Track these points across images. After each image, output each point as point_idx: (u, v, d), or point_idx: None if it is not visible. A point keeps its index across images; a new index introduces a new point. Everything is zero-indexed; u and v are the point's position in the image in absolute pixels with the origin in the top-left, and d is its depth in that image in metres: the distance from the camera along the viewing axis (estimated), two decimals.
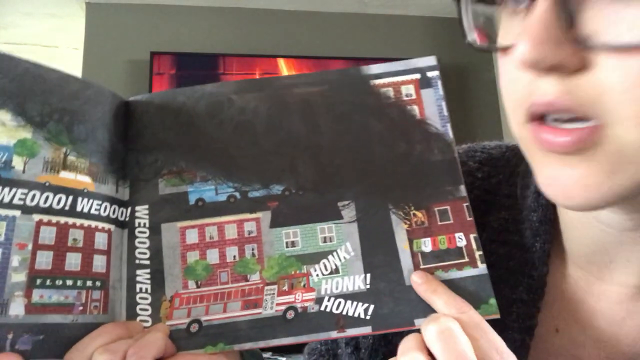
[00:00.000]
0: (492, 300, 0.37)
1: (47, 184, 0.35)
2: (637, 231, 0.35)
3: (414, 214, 0.39)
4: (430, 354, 0.32)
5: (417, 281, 0.37)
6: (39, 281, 0.33)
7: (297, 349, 0.49)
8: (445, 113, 0.42)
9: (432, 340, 0.32)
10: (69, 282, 0.34)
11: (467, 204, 0.39)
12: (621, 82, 0.26)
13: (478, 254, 0.38)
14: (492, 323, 0.38)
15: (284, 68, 2.39)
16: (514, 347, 0.37)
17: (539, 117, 0.30)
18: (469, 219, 0.39)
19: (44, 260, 0.34)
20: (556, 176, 0.30)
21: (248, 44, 2.43)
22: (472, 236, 0.39)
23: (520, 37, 0.27)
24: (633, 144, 0.26)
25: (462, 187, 0.40)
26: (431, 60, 0.43)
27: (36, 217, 0.34)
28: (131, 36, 2.36)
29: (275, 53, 2.41)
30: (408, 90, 0.42)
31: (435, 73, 0.43)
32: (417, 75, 0.43)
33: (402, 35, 2.59)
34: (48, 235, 0.34)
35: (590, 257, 0.39)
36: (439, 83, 0.43)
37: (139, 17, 2.39)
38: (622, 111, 0.26)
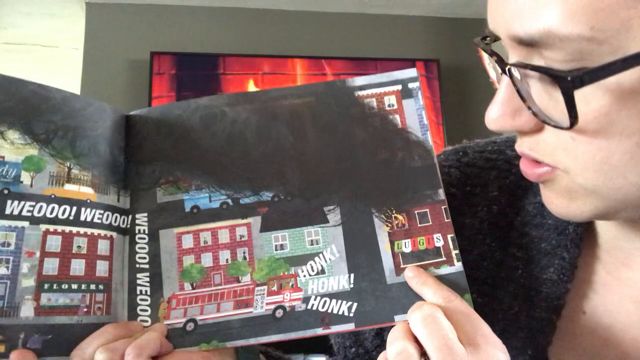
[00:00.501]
0: (467, 296, 0.40)
1: (52, 196, 0.38)
2: None
3: (395, 217, 0.42)
4: (417, 340, 0.35)
5: (410, 275, 0.40)
6: (46, 286, 0.37)
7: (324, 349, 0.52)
8: (425, 122, 0.44)
9: (416, 327, 0.35)
10: (74, 286, 0.38)
11: (445, 206, 0.42)
12: (562, 144, 0.31)
13: (454, 252, 0.41)
14: (522, 299, 0.42)
15: (284, 68, 2.39)
16: (541, 326, 0.41)
17: None
18: (446, 220, 0.42)
19: (51, 266, 0.37)
20: (543, 195, 0.37)
21: (248, 44, 2.43)
22: (449, 236, 0.42)
23: (489, 108, 0.33)
24: (582, 186, 0.32)
25: (441, 191, 0.43)
26: (412, 72, 0.46)
27: (43, 227, 0.37)
28: (131, 36, 2.37)
29: (275, 53, 2.41)
30: (390, 100, 0.45)
31: (416, 84, 0.45)
32: (399, 87, 0.45)
33: (402, 35, 2.59)
34: (54, 243, 0.38)
35: (617, 243, 0.41)
36: (419, 94, 0.45)
37: (139, 17, 2.39)
38: (570, 165, 0.32)
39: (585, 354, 0.40)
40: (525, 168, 0.35)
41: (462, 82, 2.50)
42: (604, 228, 0.42)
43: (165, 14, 2.42)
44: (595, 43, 0.27)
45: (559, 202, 0.35)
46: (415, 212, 0.42)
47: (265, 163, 0.43)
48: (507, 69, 0.31)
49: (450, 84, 2.48)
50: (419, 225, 0.42)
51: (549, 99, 0.31)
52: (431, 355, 0.34)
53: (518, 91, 0.32)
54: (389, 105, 0.45)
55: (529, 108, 0.31)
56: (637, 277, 0.40)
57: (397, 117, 0.45)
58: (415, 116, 0.45)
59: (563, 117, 0.29)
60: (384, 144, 0.44)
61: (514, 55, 0.32)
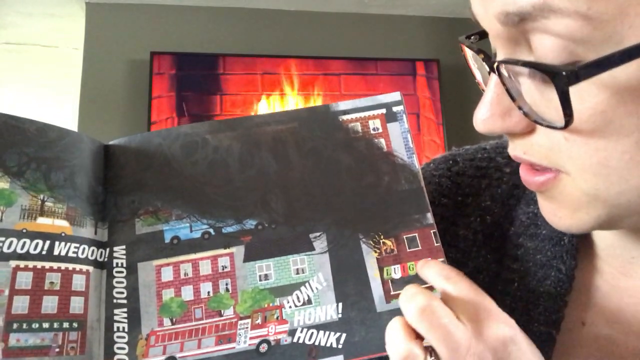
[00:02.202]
0: None
1: (24, 231, 0.37)
2: None
3: (384, 243, 0.41)
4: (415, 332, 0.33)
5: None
6: (15, 325, 0.35)
7: None
8: (411, 145, 0.44)
9: (415, 321, 0.33)
10: (45, 325, 0.36)
11: (434, 230, 0.41)
12: (556, 145, 0.30)
13: None
14: (519, 313, 0.40)
15: (284, 68, 2.39)
16: (540, 340, 0.39)
17: None
18: (436, 244, 0.41)
19: (20, 304, 0.35)
20: (541, 204, 0.35)
21: (248, 44, 2.43)
22: (440, 261, 0.40)
23: (477, 109, 0.31)
24: (585, 191, 0.30)
25: (429, 215, 0.42)
26: (396, 96, 0.45)
27: (13, 263, 0.36)
28: (131, 36, 2.37)
29: (275, 53, 2.41)
30: (375, 124, 0.44)
31: (400, 107, 0.45)
32: (383, 110, 0.45)
33: (402, 35, 2.59)
34: (25, 280, 0.36)
35: (613, 252, 0.40)
36: (404, 117, 0.45)
37: (139, 17, 2.39)
38: (569, 166, 0.30)
39: None
40: (526, 176, 0.33)
41: (462, 82, 2.50)
42: (600, 237, 0.41)
43: (165, 14, 2.41)
44: (591, 26, 0.25)
45: (562, 214, 0.33)
46: (404, 236, 0.41)
47: (249, 191, 0.42)
48: (495, 66, 0.30)
49: (450, 84, 2.48)
50: (408, 250, 0.41)
51: (540, 98, 0.29)
52: (435, 346, 0.32)
53: (507, 90, 0.30)
54: (373, 129, 0.44)
55: (520, 108, 0.30)
56: (636, 286, 0.39)
57: (383, 140, 0.44)
58: (401, 139, 0.44)
59: (556, 117, 0.28)
60: (370, 169, 0.43)
61: (501, 52, 0.31)
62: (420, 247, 0.41)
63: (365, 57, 2.47)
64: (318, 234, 0.41)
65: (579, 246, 0.41)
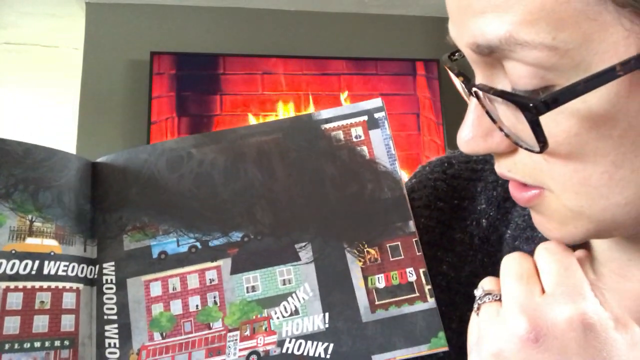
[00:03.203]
0: (441, 334, 0.39)
1: (13, 252, 0.37)
2: None
3: (368, 252, 0.41)
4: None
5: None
6: (7, 346, 0.35)
7: None
8: (393, 152, 0.44)
9: (501, 270, 0.33)
10: (37, 344, 0.36)
11: (416, 239, 0.42)
12: (538, 164, 0.30)
13: (427, 288, 0.41)
14: None
15: (284, 68, 2.39)
16: None
17: None
18: (418, 253, 0.41)
19: (12, 325, 0.35)
20: (533, 216, 0.35)
21: (248, 44, 2.43)
22: (421, 271, 0.41)
23: (460, 130, 0.32)
24: (569, 208, 0.31)
25: (411, 223, 0.42)
26: (377, 102, 0.45)
27: (3, 284, 0.36)
28: (131, 36, 2.37)
29: (275, 53, 2.41)
30: (357, 132, 0.45)
31: (382, 114, 0.45)
32: (365, 117, 0.45)
33: (402, 35, 2.59)
34: (15, 300, 0.36)
35: (611, 255, 0.40)
36: (386, 123, 0.45)
37: (139, 17, 2.39)
38: (551, 184, 0.30)
39: None
40: (514, 192, 0.34)
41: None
42: (596, 241, 0.41)
43: (165, 14, 2.41)
44: (557, 55, 0.26)
45: (552, 227, 0.33)
46: (387, 245, 0.42)
47: (234, 203, 0.42)
48: (473, 91, 0.30)
49: (450, 84, 2.47)
50: (391, 259, 0.41)
51: (516, 122, 0.29)
52: (503, 300, 0.32)
53: (487, 112, 0.30)
54: (356, 137, 0.44)
55: (501, 129, 0.30)
56: (634, 288, 0.39)
57: (365, 148, 0.44)
58: (383, 146, 0.44)
59: (533, 141, 0.28)
60: (353, 177, 0.43)
61: (479, 75, 0.31)
62: (403, 256, 0.41)
63: (365, 57, 2.47)
64: (303, 244, 0.42)
65: (575, 249, 0.41)
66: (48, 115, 3.64)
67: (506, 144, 0.31)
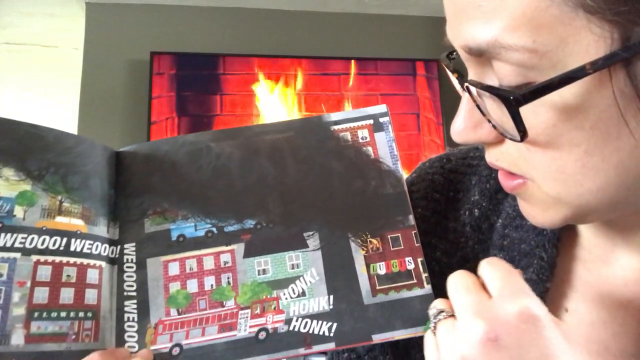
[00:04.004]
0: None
1: (44, 229, 0.40)
2: (629, 225, 0.39)
3: (370, 241, 0.45)
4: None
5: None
6: (36, 314, 0.38)
7: None
8: (396, 152, 0.48)
9: (448, 286, 0.37)
10: (63, 314, 0.39)
11: (415, 231, 0.45)
12: (521, 154, 0.33)
13: (424, 275, 0.44)
14: None
15: (284, 68, 2.39)
16: None
17: None
18: (416, 245, 0.45)
19: (41, 295, 0.39)
20: (519, 203, 0.38)
21: (248, 44, 2.43)
22: (419, 260, 0.44)
23: (453, 122, 0.35)
24: (549, 195, 0.34)
25: (411, 217, 0.46)
26: (382, 108, 0.50)
27: (34, 257, 0.39)
28: (131, 36, 2.37)
29: (275, 53, 2.41)
30: (363, 133, 0.49)
31: (386, 119, 0.49)
32: (371, 121, 0.49)
33: (402, 35, 2.59)
34: (44, 273, 0.39)
35: (595, 241, 0.43)
36: (390, 127, 0.49)
37: (139, 17, 2.39)
38: (532, 173, 0.34)
39: None
40: (502, 180, 0.37)
41: None
42: (582, 227, 0.44)
43: (165, 14, 2.42)
44: (537, 56, 0.29)
45: (535, 213, 0.37)
46: (389, 236, 0.45)
47: (248, 194, 0.46)
48: (465, 86, 0.33)
49: (450, 84, 2.47)
50: (392, 249, 0.45)
51: (502, 114, 0.32)
52: (455, 309, 0.35)
53: (477, 106, 0.33)
54: (362, 138, 0.48)
55: (489, 121, 0.33)
56: (617, 274, 0.41)
57: (370, 148, 0.48)
58: (387, 147, 0.48)
59: (515, 131, 0.31)
60: (359, 174, 0.47)
61: (471, 72, 0.34)
62: (402, 247, 0.45)
63: (365, 57, 2.47)
64: (311, 232, 0.45)
65: (562, 236, 0.44)
66: (48, 115, 3.64)
67: (494, 135, 0.34)
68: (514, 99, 0.29)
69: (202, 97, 2.31)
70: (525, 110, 0.30)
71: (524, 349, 0.32)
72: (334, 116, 0.49)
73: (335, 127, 0.49)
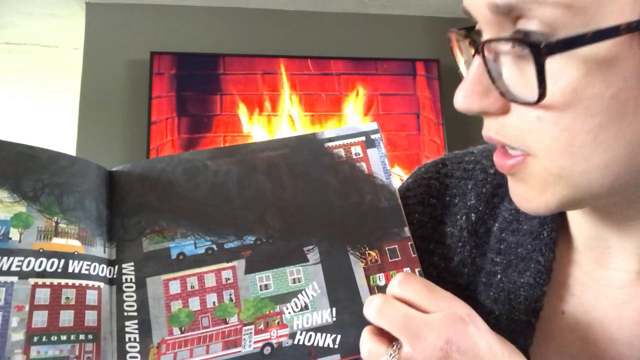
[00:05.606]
0: None
1: (40, 251, 0.39)
2: (624, 222, 0.39)
3: (369, 254, 0.46)
4: (383, 332, 0.38)
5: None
6: (35, 338, 0.37)
7: None
8: (388, 168, 0.49)
9: (376, 320, 0.38)
10: (63, 337, 0.38)
11: (411, 242, 0.46)
12: (527, 125, 0.32)
13: None
14: (502, 303, 0.44)
15: (284, 68, 2.39)
16: (521, 328, 0.42)
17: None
18: (413, 255, 0.46)
19: (40, 319, 0.38)
20: (512, 188, 0.38)
21: (248, 44, 2.43)
22: (417, 270, 0.45)
23: (458, 87, 0.34)
24: (550, 171, 0.33)
25: (406, 229, 0.47)
26: (373, 125, 0.51)
27: (32, 281, 0.38)
28: (131, 36, 2.37)
29: (275, 53, 2.41)
30: (356, 150, 0.50)
31: (377, 135, 0.50)
32: (363, 138, 0.50)
33: (402, 35, 2.59)
34: (43, 296, 0.38)
35: (590, 244, 0.43)
36: (381, 143, 0.50)
37: (139, 17, 2.39)
38: (537, 147, 0.33)
39: (565, 352, 0.42)
40: (499, 160, 0.36)
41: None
42: (577, 231, 0.44)
43: (165, 14, 2.42)
44: (570, 13, 0.28)
45: (529, 195, 0.36)
46: (386, 248, 0.46)
47: (247, 210, 0.46)
48: (480, 46, 0.33)
49: (450, 84, 2.48)
50: (390, 260, 0.46)
51: (519, 76, 0.32)
52: (399, 337, 0.36)
53: (488, 71, 0.32)
54: (355, 154, 0.49)
55: (497, 88, 0.32)
56: (612, 276, 0.42)
57: (364, 164, 0.49)
58: (379, 163, 0.49)
59: (531, 93, 0.30)
60: (354, 189, 0.48)
61: (488, 35, 0.33)
62: (400, 258, 0.46)
63: (365, 57, 2.47)
64: (311, 247, 0.45)
65: (558, 240, 0.44)
66: (48, 115, 3.64)
67: (500, 104, 0.33)
68: (546, 45, 0.28)
69: (202, 97, 2.31)
70: (550, 65, 0.29)
71: (475, 351, 0.35)
72: (327, 133, 0.50)
73: (329, 144, 0.49)
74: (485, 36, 0.33)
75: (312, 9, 2.53)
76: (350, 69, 2.45)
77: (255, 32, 2.47)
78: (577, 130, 0.30)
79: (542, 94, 0.30)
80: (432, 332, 0.35)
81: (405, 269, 0.45)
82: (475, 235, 0.48)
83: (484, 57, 0.33)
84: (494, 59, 0.33)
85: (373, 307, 0.39)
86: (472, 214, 0.49)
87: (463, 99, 0.34)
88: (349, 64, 2.45)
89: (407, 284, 0.39)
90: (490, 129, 0.35)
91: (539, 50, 0.29)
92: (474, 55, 0.34)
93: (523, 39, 0.30)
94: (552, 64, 0.29)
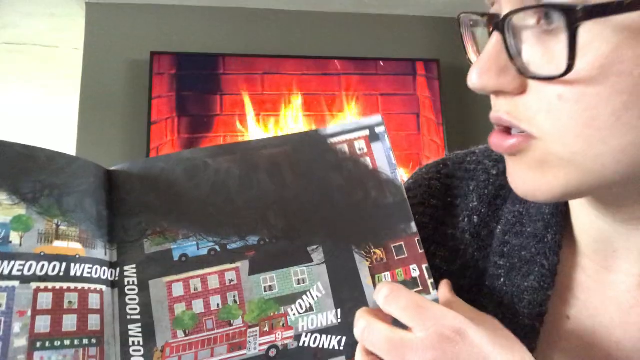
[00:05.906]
0: None
1: (42, 254, 0.38)
2: (630, 223, 0.38)
3: (374, 252, 0.45)
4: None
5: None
6: (39, 344, 0.36)
7: None
8: (394, 161, 0.48)
9: (361, 343, 0.37)
10: (67, 342, 0.37)
11: (418, 238, 0.45)
12: (546, 105, 0.31)
13: (430, 282, 0.44)
14: (505, 307, 0.43)
15: (284, 68, 2.39)
16: (525, 333, 0.41)
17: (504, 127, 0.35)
18: (420, 251, 0.45)
19: (43, 324, 0.37)
20: (510, 172, 0.36)
21: (248, 44, 2.43)
22: (424, 266, 0.44)
23: (474, 65, 0.33)
24: (559, 155, 0.31)
25: (413, 224, 0.45)
26: (377, 118, 0.49)
27: (34, 285, 0.37)
28: (131, 36, 2.37)
29: (275, 53, 2.41)
30: (360, 145, 0.48)
31: (382, 128, 0.49)
32: (367, 132, 0.48)
33: (402, 35, 2.59)
34: (45, 300, 0.37)
35: (596, 247, 0.42)
36: (386, 136, 0.48)
37: (139, 17, 2.39)
38: (550, 129, 0.31)
39: (571, 356, 0.41)
40: (497, 140, 0.34)
41: (462, 82, 2.47)
42: (582, 233, 0.43)
43: (165, 14, 2.41)
44: None
45: (529, 177, 0.34)
46: (392, 246, 0.45)
47: (249, 209, 0.45)
48: (502, 21, 0.31)
49: (450, 84, 2.48)
50: (396, 258, 0.44)
51: (542, 53, 0.30)
52: (384, 357, 0.35)
53: (507, 48, 0.31)
54: (359, 150, 0.48)
55: (516, 65, 0.31)
56: (618, 280, 0.41)
57: (368, 159, 0.48)
58: (384, 157, 0.48)
59: (556, 70, 0.29)
60: (358, 185, 0.46)
61: (507, 8, 0.32)
62: (406, 255, 0.45)
63: (365, 57, 2.47)
64: (315, 246, 0.44)
65: (562, 243, 0.43)
66: (48, 115, 3.64)
67: (517, 83, 0.32)
68: (583, 8, 0.27)
69: (202, 97, 2.31)
70: (579, 36, 0.27)
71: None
72: (330, 129, 0.48)
73: (332, 140, 0.48)
74: (506, 11, 0.31)
75: (312, 9, 2.52)
76: (350, 69, 2.45)
77: (255, 32, 2.47)
78: (600, 109, 0.29)
79: (570, 65, 0.28)
80: (416, 355, 0.34)
81: (412, 266, 0.44)
82: (478, 238, 0.48)
83: (504, 32, 0.31)
84: (513, 35, 0.31)
85: (358, 330, 0.37)
86: (475, 216, 0.48)
87: (478, 77, 0.32)
88: (349, 64, 2.45)
89: (393, 300, 0.37)
90: (501, 110, 0.34)
91: (574, 14, 0.27)
92: (490, 34, 0.33)
93: (556, 4, 0.28)
94: (582, 34, 0.27)
